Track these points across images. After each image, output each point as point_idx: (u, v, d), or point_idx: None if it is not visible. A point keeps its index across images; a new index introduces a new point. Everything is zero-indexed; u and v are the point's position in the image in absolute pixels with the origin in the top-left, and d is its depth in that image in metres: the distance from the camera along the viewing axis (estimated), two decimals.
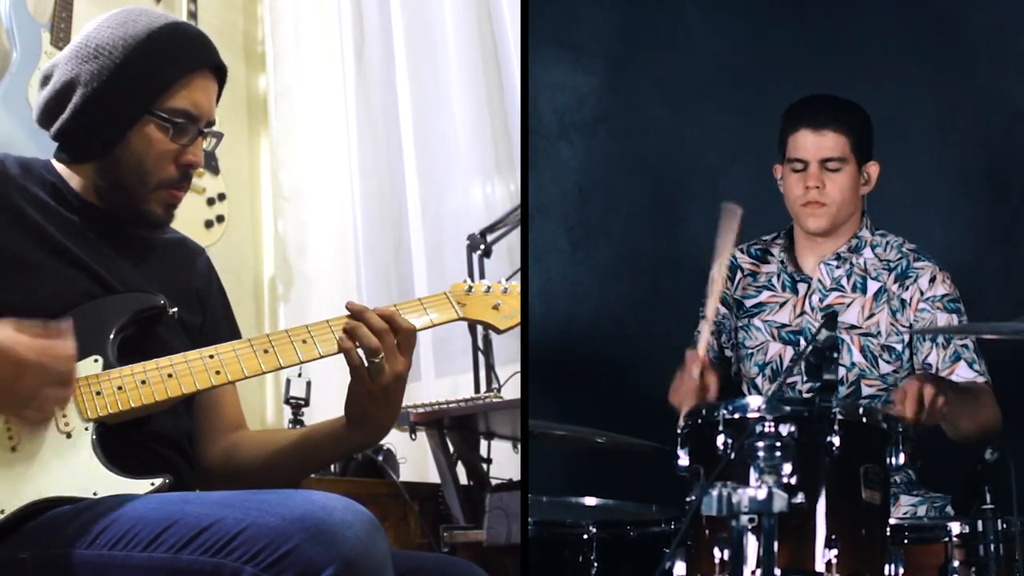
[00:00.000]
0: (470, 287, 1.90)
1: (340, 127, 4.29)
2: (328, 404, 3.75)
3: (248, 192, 4.51)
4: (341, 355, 1.75)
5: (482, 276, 3.25)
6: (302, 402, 3.36)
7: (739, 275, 2.53)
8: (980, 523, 1.84)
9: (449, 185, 3.95)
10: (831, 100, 2.42)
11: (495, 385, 3.08)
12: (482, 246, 3.25)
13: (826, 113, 2.38)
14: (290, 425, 3.37)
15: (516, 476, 3.05)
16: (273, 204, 4.43)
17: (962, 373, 2.33)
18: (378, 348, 1.71)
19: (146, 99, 1.81)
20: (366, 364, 1.72)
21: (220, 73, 1.91)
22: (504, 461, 3.16)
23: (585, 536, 2.06)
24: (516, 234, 3.25)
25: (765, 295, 2.50)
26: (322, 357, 1.77)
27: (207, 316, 1.97)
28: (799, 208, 2.40)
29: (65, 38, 3.67)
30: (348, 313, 1.75)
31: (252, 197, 4.53)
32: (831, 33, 3.10)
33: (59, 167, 1.88)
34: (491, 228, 3.27)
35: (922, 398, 2.09)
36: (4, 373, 1.57)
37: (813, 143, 2.36)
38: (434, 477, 3.14)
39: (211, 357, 1.74)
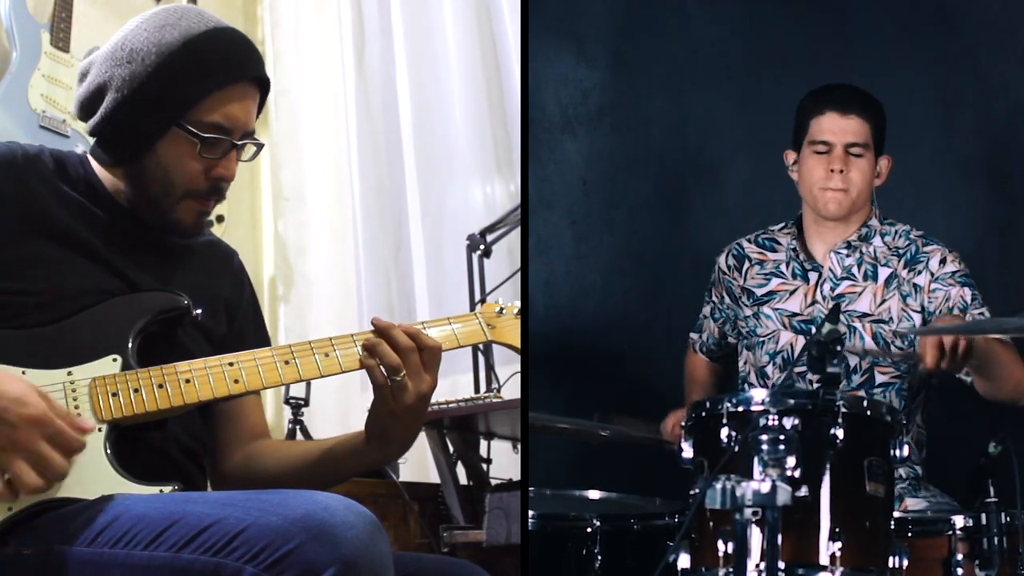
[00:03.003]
0: (501, 309, 1.86)
1: (340, 127, 4.29)
2: (328, 405, 3.75)
3: (248, 192, 4.50)
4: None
5: (482, 276, 3.24)
6: (302, 402, 3.36)
7: (747, 264, 2.53)
8: (984, 516, 1.84)
9: (449, 185, 3.94)
10: (855, 88, 2.43)
11: (495, 385, 3.06)
12: (482, 246, 3.24)
13: (852, 99, 2.39)
14: (289, 426, 3.36)
15: (516, 476, 3.04)
16: (273, 204, 4.43)
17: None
18: (399, 366, 1.67)
19: (176, 111, 1.73)
20: (388, 383, 1.68)
21: (262, 84, 1.81)
22: (504, 461, 3.16)
23: (589, 529, 2.06)
24: (516, 234, 3.24)
25: (775, 283, 2.49)
26: (344, 372, 1.72)
27: (233, 327, 1.91)
28: (818, 191, 2.39)
29: (65, 38, 3.67)
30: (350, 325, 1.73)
31: (252, 197, 4.53)
32: (834, 23, 3.09)
33: (94, 164, 1.83)
34: (491, 228, 3.26)
35: (943, 344, 2.06)
36: (7, 418, 1.50)
37: (840, 126, 2.37)
38: (434, 477, 3.13)
39: (231, 365, 1.71)
